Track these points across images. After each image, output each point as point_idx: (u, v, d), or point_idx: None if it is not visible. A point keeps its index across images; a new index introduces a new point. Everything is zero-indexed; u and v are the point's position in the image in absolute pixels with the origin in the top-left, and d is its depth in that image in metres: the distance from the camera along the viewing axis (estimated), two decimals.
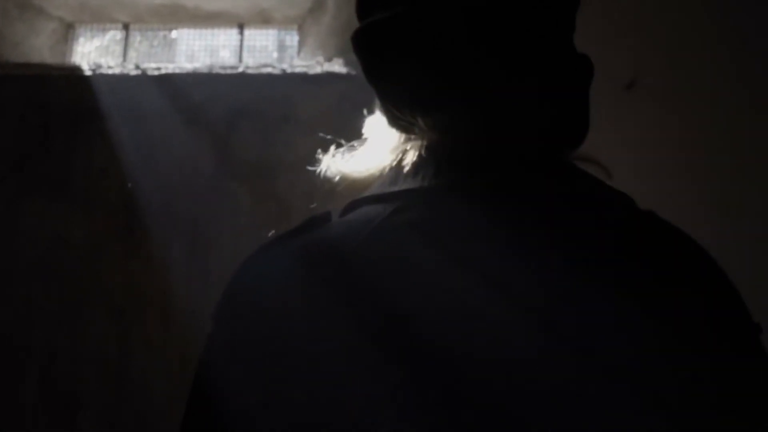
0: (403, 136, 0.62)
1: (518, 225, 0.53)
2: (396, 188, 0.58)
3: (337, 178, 0.66)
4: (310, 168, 0.67)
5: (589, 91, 0.59)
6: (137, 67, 2.08)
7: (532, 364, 0.47)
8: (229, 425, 0.51)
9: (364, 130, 0.66)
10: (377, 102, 0.63)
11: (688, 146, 1.79)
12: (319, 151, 0.66)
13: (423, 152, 0.59)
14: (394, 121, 0.61)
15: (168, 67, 2.08)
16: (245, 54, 2.28)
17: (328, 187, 0.65)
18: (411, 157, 0.59)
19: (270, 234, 0.61)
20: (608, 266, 0.51)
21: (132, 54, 2.30)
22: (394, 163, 0.61)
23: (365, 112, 0.67)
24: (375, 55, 0.61)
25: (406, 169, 0.59)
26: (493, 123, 0.57)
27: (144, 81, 2.04)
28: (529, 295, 0.50)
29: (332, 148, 0.66)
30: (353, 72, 1.99)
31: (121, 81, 2.05)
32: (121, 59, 2.29)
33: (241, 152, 1.97)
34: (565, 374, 0.47)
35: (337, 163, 0.66)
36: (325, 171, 0.66)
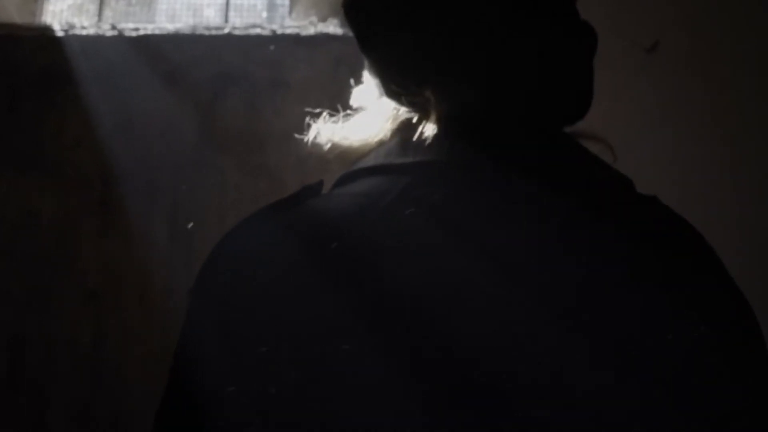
0: (402, 108, 0.61)
1: (534, 208, 0.53)
2: (405, 160, 0.57)
3: (327, 146, 0.64)
4: (301, 137, 0.65)
5: (592, 62, 0.59)
6: (113, 27, 2.02)
7: (561, 360, 0.47)
8: (208, 412, 0.50)
9: (352, 101, 0.66)
10: (369, 71, 0.63)
11: (712, 111, 1.74)
12: (308, 117, 0.65)
13: (432, 124, 0.58)
14: (393, 93, 0.60)
15: (147, 28, 2.01)
16: (231, 13, 2.21)
17: (316, 154, 0.64)
18: (419, 129, 0.58)
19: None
20: (611, 252, 0.52)
21: (108, 13, 2.23)
22: (397, 133, 0.61)
23: (354, 80, 0.67)
24: (373, 23, 0.60)
25: (414, 140, 0.58)
26: (499, 94, 0.57)
27: (121, 42, 1.98)
28: (554, 289, 0.50)
29: (324, 114, 0.65)
30: (350, 33, 1.85)
31: (95, 42, 1.98)
32: (95, 19, 2.22)
33: (227, 121, 1.91)
34: (602, 378, 0.47)
35: (329, 131, 0.64)
36: (314, 138, 0.64)
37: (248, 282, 0.51)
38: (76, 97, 1.92)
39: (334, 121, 0.64)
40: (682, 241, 0.58)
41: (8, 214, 1.87)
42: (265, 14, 2.22)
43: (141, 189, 1.86)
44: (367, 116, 0.63)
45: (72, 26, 2.02)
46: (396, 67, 0.59)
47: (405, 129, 0.60)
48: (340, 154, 0.63)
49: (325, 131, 0.64)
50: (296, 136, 0.65)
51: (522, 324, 0.48)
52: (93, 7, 2.22)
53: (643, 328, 0.49)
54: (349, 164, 0.61)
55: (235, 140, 1.90)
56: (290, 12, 2.21)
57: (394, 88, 0.60)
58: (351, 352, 0.47)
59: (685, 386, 0.49)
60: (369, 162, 0.59)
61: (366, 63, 0.63)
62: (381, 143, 0.61)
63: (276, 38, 1.96)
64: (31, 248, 1.85)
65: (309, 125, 0.64)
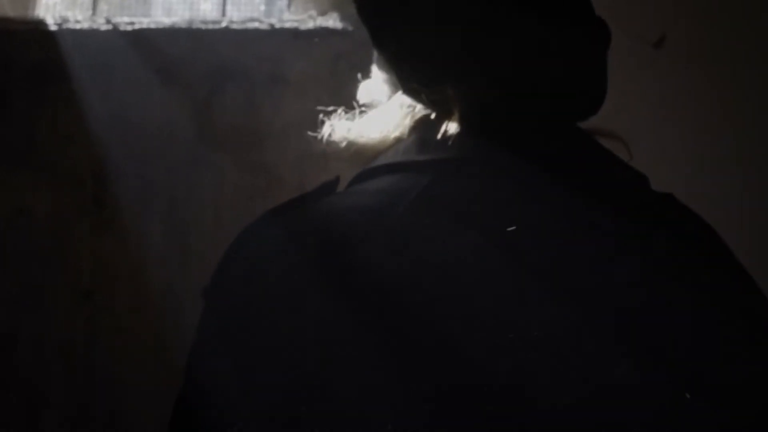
0: (419, 104, 0.61)
1: (554, 205, 0.54)
2: (426, 157, 0.57)
3: (343, 144, 0.64)
4: (310, 133, 0.65)
5: (606, 58, 0.59)
6: (108, 21, 1.98)
7: (583, 361, 0.47)
8: (222, 411, 0.49)
9: (359, 96, 0.66)
10: (382, 67, 0.63)
11: (719, 106, 1.74)
12: (322, 115, 0.65)
13: (452, 121, 0.58)
14: (413, 91, 0.60)
15: (143, 22, 1.98)
16: (229, 7, 2.16)
17: (330, 152, 0.64)
18: (439, 126, 0.59)
19: (258, 209, 0.58)
20: (626, 248, 0.53)
21: (102, 7, 2.17)
22: (415, 130, 0.61)
23: (361, 75, 0.67)
24: (387, 17, 0.59)
25: (434, 138, 0.58)
26: (519, 91, 0.57)
27: (116, 37, 1.94)
28: (573, 287, 0.50)
29: (339, 111, 0.65)
30: (350, 28, 1.90)
31: (90, 37, 1.95)
32: (90, 12, 2.16)
33: (224, 117, 1.89)
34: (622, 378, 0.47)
35: (343, 127, 0.64)
36: (329, 135, 0.64)
37: (264, 279, 0.51)
38: (69, 93, 1.89)
39: (348, 118, 0.64)
40: (698, 239, 0.58)
41: None
42: (263, 8, 2.19)
43: (136, 187, 1.84)
44: (383, 113, 0.63)
45: (66, 20, 2.00)
46: (414, 63, 0.58)
47: (424, 126, 0.60)
48: (356, 152, 0.63)
49: (340, 128, 0.64)
50: (309, 133, 0.64)
51: (539, 324, 0.47)
52: (87, 1, 2.18)
53: (658, 321, 0.50)
54: (360, 162, 0.61)
55: (233, 137, 1.87)
56: (289, 6, 2.16)
57: (413, 86, 0.59)
58: (370, 351, 0.46)
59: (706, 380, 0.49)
60: (388, 159, 0.59)
61: (378, 58, 0.63)
62: (399, 140, 0.61)
63: (274, 33, 1.94)
64: (23, 246, 1.82)
65: (323, 122, 0.64)
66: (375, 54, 0.63)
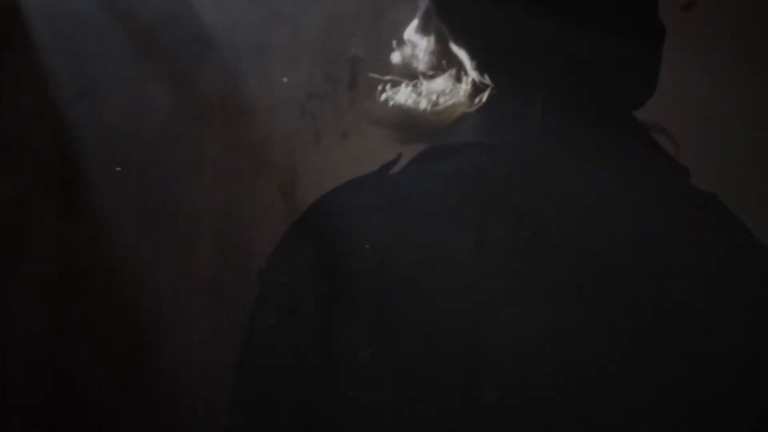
0: (485, 80, 0.64)
1: (605, 196, 0.59)
2: (499, 139, 0.61)
3: (398, 115, 0.67)
4: (367, 104, 0.69)
5: (661, 53, 0.65)
6: None
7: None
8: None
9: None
10: (455, 40, 0.65)
11: (751, 68, 1.73)
12: (381, 85, 0.68)
13: (518, 102, 0.62)
14: (485, 65, 0.64)
15: None
16: None
17: (387, 123, 0.68)
18: (507, 105, 0.63)
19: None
20: (660, 243, 0.58)
21: None
22: (485, 108, 0.64)
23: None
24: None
25: (504, 118, 0.62)
26: (572, 77, 0.62)
27: (85, 1, 1.85)
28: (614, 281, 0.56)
29: (405, 82, 0.68)
30: None
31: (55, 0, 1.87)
32: None
33: (205, 89, 1.83)
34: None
35: (403, 96, 0.67)
36: (385, 105, 0.67)
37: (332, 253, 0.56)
38: (33, 63, 1.80)
39: (405, 87, 0.67)
40: (734, 243, 0.61)
41: None
42: None
43: (107, 167, 1.77)
44: (443, 84, 0.66)
45: None
46: (477, 43, 0.63)
47: (491, 104, 0.63)
48: (412, 124, 0.66)
49: (401, 96, 0.67)
50: (366, 104, 0.69)
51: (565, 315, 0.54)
52: None
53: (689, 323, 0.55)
54: (415, 134, 0.65)
55: (216, 111, 1.82)
56: None
57: (484, 59, 0.63)
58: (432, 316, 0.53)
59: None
60: (457, 138, 0.62)
61: (424, 25, 0.68)
62: (464, 116, 0.64)
63: None
64: None
65: (381, 89, 0.68)
66: (417, 21, 0.68)
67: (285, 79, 1.74)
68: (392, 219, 0.56)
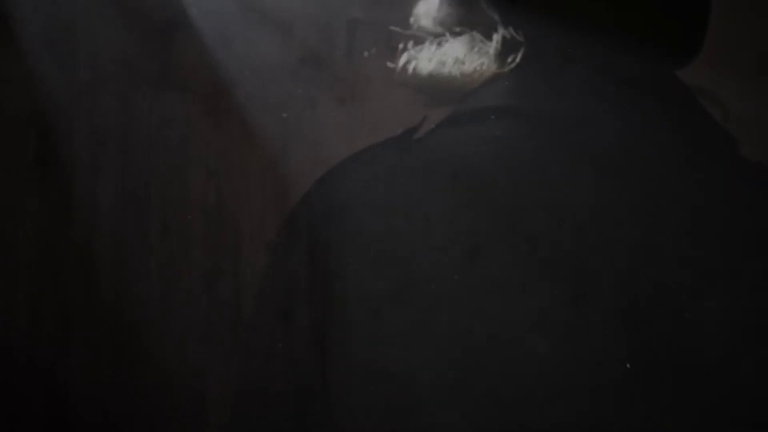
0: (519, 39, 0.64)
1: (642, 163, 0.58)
2: (538, 105, 0.60)
3: (421, 77, 0.65)
4: (390, 64, 0.68)
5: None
6: None
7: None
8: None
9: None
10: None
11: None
12: (401, 44, 0.67)
13: (548, 65, 0.62)
14: (510, 23, 0.63)
15: None
16: None
17: (409, 85, 0.66)
18: (535, 70, 0.62)
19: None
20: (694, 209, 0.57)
21: None
22: (516, 72, 0.63)
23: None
24: None
25: (539, 84, 0.62)
26: (621, 37, 0.60)
27: None
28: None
29: (428, 41, 0.67)
30: None
31: None
32: None
33: (189, 56, 1.76)
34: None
35: (426, 57, 0.66)
36: (407, 66, 0.66)
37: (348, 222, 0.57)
38: (5, 29, 1.74)
39: (429, 45, 0.66)
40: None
41: None
42: None
43: (86, 142, 1.73)
44: (470, 42, 0.64)
45: None
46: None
47: (525, 68, 0.61)
48: (434, 85, 0.64)
49: (424, 58, 0.65)
50: (389, 64, 0.66)
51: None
52: None
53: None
54: (438, 95, 0.64)
55: (200, 80, 1.76)
56: None
57: (519, 13, 0.62)
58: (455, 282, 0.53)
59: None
60: (488, 101, 0.61)
61: None
62: (495, 77, 0.62)
63: None
64: None
65: (401, 50, 0.66)
66: None
67: (276, 43, 1.68)
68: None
